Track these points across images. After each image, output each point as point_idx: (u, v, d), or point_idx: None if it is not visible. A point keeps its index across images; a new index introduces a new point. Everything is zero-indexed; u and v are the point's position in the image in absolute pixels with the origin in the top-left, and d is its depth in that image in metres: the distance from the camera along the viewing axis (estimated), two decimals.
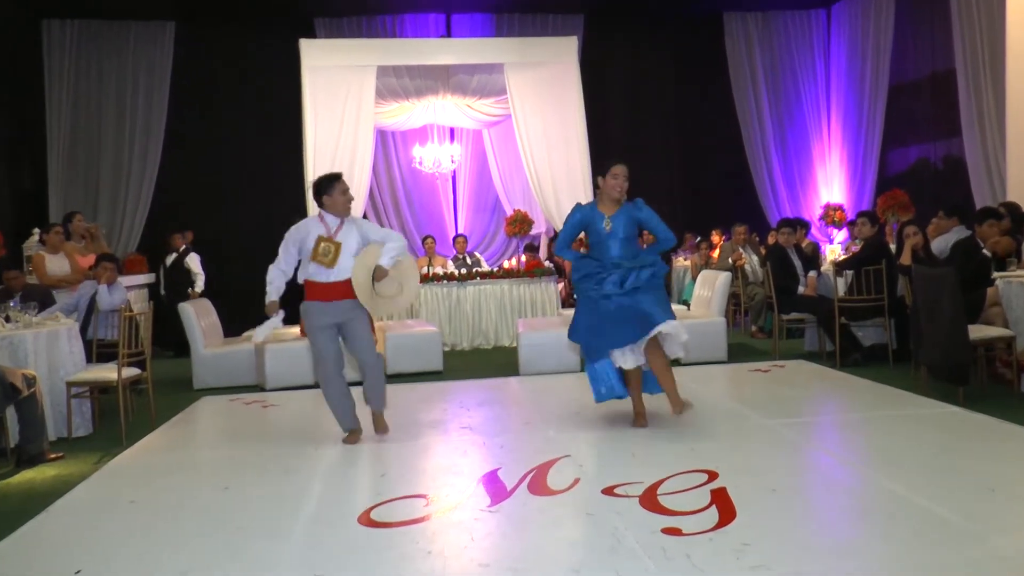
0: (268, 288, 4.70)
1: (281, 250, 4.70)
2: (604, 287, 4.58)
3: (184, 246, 9.52)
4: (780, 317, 7.50)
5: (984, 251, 6.15)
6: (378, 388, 4.83)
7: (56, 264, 6.96)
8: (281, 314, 4.74)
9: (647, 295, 4.58)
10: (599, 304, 4.61)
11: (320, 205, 4.67)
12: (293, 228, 4.72)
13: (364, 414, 4.92)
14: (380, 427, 4.94)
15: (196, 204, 10.76)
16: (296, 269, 4.75)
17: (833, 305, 6.86)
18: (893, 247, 7.24)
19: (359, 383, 4.86)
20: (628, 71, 12.07)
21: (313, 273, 4.62)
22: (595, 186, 4.89)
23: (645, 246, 5.10)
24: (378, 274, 4.61)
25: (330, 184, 4.64)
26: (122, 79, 10.78)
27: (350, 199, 4.74)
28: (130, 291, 7.60)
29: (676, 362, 5.14)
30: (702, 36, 11.99)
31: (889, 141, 10.85)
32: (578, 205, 4.88)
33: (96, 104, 10.73)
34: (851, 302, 6.81)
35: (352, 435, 4.80)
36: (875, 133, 10.90)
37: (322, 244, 4.54)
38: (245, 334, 7.72)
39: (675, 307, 8.57)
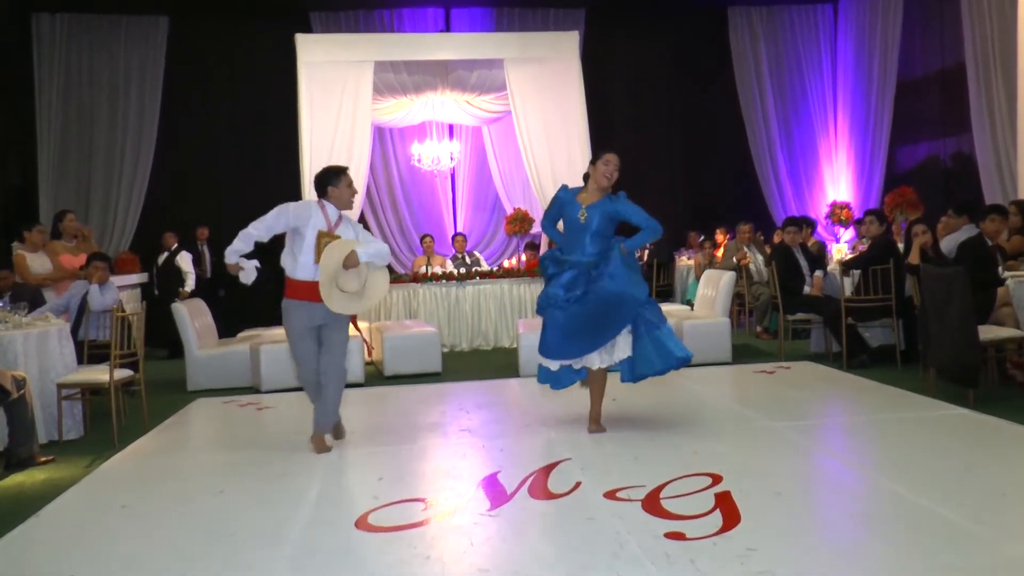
0: (229, 250, 4.58)
1: (270, 218, 4.53)
2: (553, 293, 4.56)
3: (175, 245, 9.44)
4: (785, 317, 7.43)
5: (997, 264, 6.02)
6: (332, 404, 4.58)
7: (38, 263, 6.87)
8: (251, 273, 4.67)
9: (615, 284, 4.48)
10: (552, 313, 4.61)
11: (323, 195, 4.58)
12: (293, 205, 4.56)
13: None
14: (320, 444, 4.61)
15: (190, 202, 10.71)
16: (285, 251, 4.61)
17: (840, 305, 6.77)
18: (901, 246, 7.18)
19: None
20: (630, 67, 12.01)
21: (299, 271, 4.48)
22: (585, 177, 4.77)
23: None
24: (349, 260, 4.41)
25: (337, 176, 4.57)
26: (114, 75, 10.72)
27: (355, 192, 4.71)
28: (122, 291, 7.49)
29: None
30: (706, 31, 11.92)
31: (897, 138, 10.78)
32: (564, 187, 4.80)
33: (88, 100, 10.67)
34: (858, 302, 6.73)
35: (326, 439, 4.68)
36: (883, 130, 10.82)
37: (323, 241, 4.45)
38: (241, 335, 7.64)
39: (677, 307, 8.58)
